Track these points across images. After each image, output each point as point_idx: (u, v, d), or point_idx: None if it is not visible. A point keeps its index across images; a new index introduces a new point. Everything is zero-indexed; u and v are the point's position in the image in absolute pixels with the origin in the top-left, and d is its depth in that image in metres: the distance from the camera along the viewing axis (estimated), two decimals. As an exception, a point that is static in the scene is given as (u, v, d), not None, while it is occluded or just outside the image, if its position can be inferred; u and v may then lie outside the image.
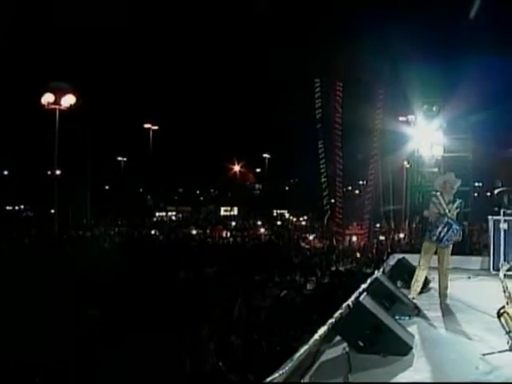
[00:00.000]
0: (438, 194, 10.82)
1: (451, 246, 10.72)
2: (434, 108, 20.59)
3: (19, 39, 44.35)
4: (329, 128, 36.38)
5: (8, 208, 61.61)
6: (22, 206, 64.86)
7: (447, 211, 10.47)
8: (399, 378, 6.31)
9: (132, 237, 40.60)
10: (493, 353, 7.05)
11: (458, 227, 10.36)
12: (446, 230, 10.30)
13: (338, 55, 34.28)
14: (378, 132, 36.21)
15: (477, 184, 39.55)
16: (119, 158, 66.41)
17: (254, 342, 12.59)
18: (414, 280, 10.84)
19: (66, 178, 50.48)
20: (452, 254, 11.51)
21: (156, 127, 59.69)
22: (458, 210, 10.65)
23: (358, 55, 31.45)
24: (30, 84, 42.93)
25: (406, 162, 37.40)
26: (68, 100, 39.39)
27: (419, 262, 10.89)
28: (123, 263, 21.72)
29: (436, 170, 20.71)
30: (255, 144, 61.50)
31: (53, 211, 45.91)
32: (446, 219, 10.34)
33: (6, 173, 64.58)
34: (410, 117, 26.40)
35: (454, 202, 10.69)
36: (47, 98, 38.88)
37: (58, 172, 45.45)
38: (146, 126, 59.27)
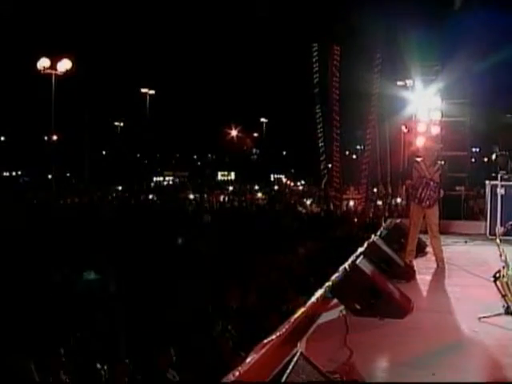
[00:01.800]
0: (419, 159, 11.10)
1: (436, 207, 10.84)
2: (432, 72, 20.48)
3: (16, 4, 43.95)
4: (326, 92, 36.22)
5: (5, 174, 61.59)
6: (20, 172, 64.85)
7: (427, 174, 10.67)
8: (396, 342, 6.35)
9: (130, 202, 40.57)
10: (489, 316, 7.10)
11: (435, 184, 10.58)
12: (425, 190, 10.59)
13: (335, 19, 34.01)
14: (375, 97, 36.06)
15: (474, 149, 39.50)
16: (116, 123, 66.19)
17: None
18: (406, 244, 10.98)
19: (63, 144, 50.38)
20: (448, 218, 11.60)
21: (153, 92, 59.35)
22: (439, 171, 10.85)
23: (355, 19, 31.18)
24: (25, 49, 42.64)
25: (403, 127, 37.29)
26: (64, 65, 39.05)
27: (409, 227, 11.06)
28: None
29: (433, 134, 20.62)
30: (252, 109, 61.30)
31: (50, 176, 45.88)
32: (424, 180, 10.62)
33: (2, 139, 64.45)
34: (408, 81, 26.26)
35: (434, 165, 10.93)
36: (43, 63, 38.53)
37: (54, 137, 45.28)
38: (143, 90, 58.94)
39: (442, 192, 10.79)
